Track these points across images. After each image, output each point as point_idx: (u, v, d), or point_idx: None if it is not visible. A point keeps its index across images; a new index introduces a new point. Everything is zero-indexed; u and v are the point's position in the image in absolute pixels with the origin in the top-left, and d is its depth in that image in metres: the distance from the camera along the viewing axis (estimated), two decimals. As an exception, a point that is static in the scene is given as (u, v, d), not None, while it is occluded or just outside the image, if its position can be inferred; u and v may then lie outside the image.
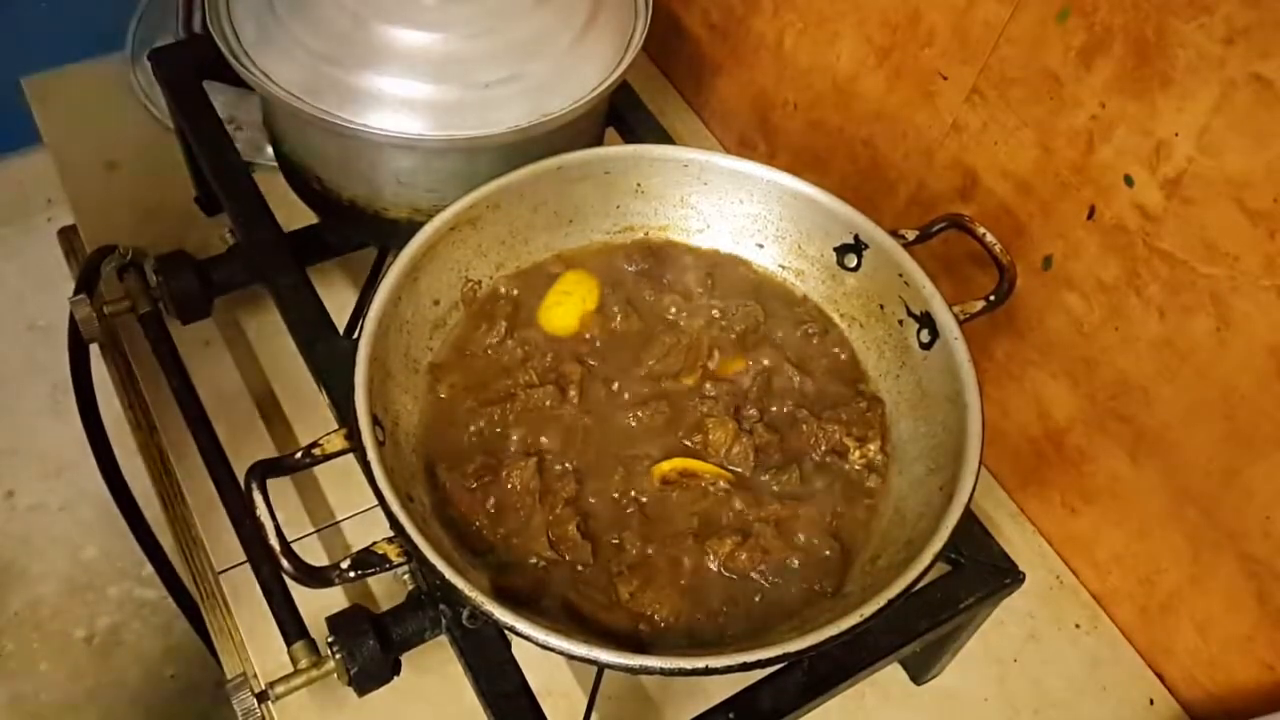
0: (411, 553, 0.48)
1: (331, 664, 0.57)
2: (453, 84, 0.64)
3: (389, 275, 0.57)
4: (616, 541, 0.55)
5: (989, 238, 0.62)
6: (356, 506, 0.72)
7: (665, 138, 0.78)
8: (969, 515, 0.52)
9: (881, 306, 0.63)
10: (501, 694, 0.54)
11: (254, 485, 0.49)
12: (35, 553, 1.56)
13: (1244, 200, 0.54)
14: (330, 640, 0.56)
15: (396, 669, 0.57)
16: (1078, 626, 0.74)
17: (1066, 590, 0.75)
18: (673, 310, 0.65)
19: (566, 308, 0.64)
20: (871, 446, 0.60)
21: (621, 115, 0.80)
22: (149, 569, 0.95)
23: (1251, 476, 0.60)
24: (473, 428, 0.59)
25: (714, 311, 0.65)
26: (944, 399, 0.58)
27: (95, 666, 1.44)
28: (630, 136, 0.79)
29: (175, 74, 0.79)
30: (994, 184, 0.70)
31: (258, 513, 0.48)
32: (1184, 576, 0.67)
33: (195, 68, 0.79)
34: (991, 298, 0.61)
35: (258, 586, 0.63)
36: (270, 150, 0.78)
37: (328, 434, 0.52)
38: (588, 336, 0.63)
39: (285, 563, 0.48)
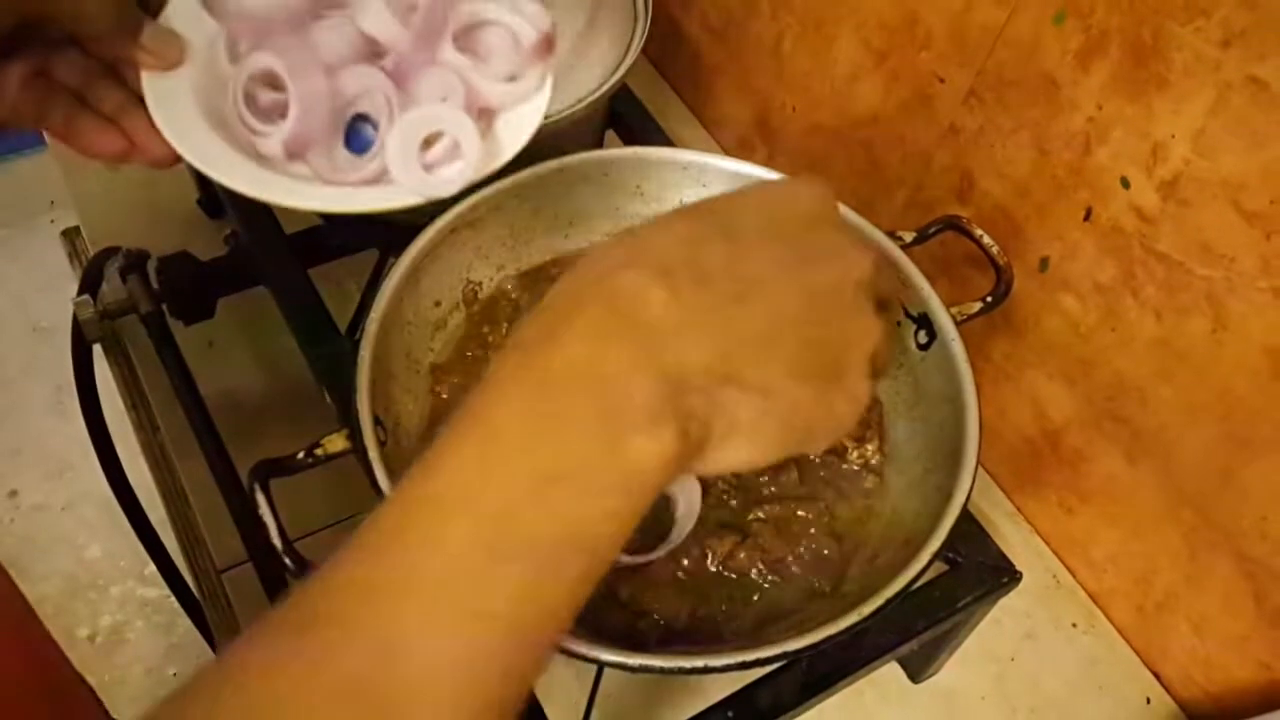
0: (412, 552, 0.49)
1: (333, 663, 0.58)
2: (453, 86, 0.64)
3: (390, 276, 0.58)
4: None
5: (986, 239, 0.62)
6: (357, 507, 0.73)
7: (665, 140, 0.79)
8: (966, 515, 0.52)
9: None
10: (502, 692, 0.55)
11: (257, 485, 0.49)
12: (38, 552, 1.56)
13: (1240, 202, 0.55)
14: (332, 639, 0.57)
15: (398, 668, 0.58)
16: (1075, 626, 0.74)
17: (1063, 590, 0.76)
18: (672, 311, 0.65)
19: (566, 309, 0.64)
20: (869, 447, 0.60)
21: (621, 117, 0.80)
22: (151, 568, 0.95)
23: (1248, 477, 0.61)
24: (473, 428, 0.59)
25: (713, 313, 0.66)
26: (941, 399, 0.58)
27: (98, 665, 1.45)
28: (630, 139, 0.79)
29: (178, 76, 0.79)
30: (991, 186, 0.70)
31: (260, 513, 0.48)
32: (1180, 576, 0.67)
33: (197, 70, 0.79)
34: (989, 299, 0.61)
35: (260, 586, 0.63)
36: (272, 152, 0.79)
37: (329, 434, 0.53)
38: (588, 337, 0.64)
39: (288, 562, 0.48)
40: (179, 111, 0.46)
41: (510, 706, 0.30)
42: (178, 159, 0.46)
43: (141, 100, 0.46)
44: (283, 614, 0.29)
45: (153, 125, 0.46)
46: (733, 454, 0.33)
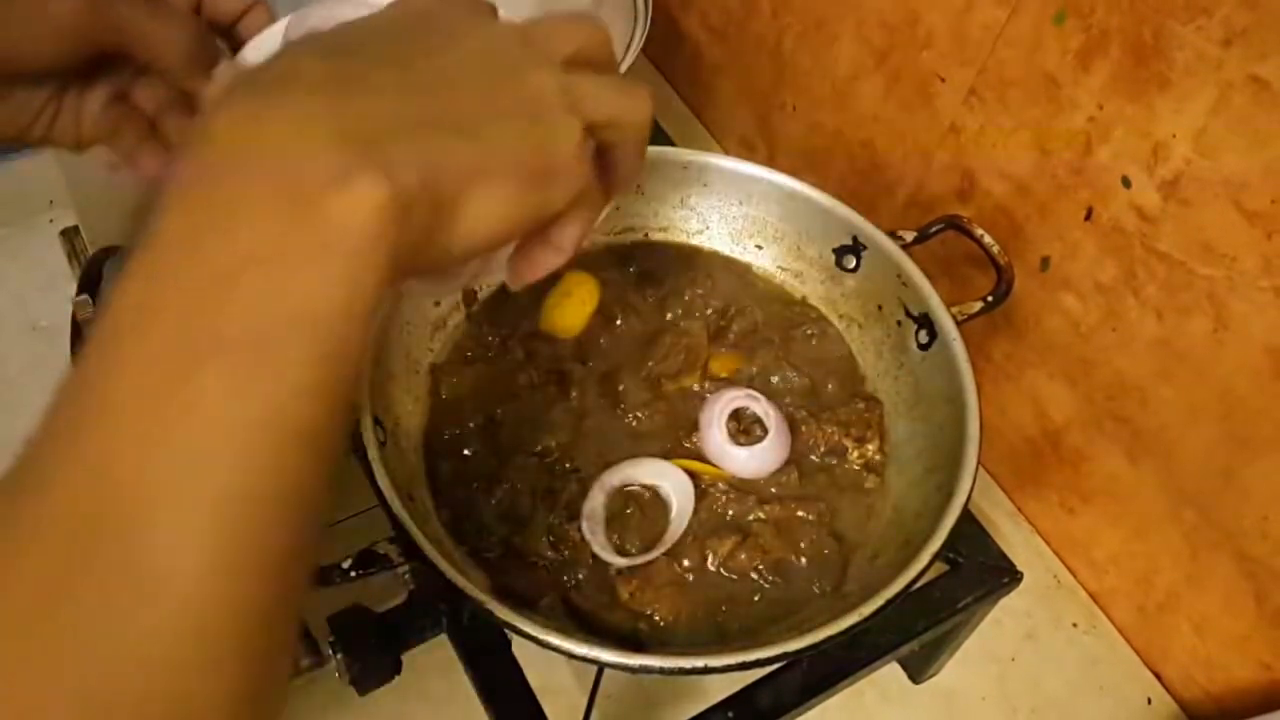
0: (412, 552, 0.49)
1: (332, 664, 0.58)
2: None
3: (390, 276, 0.57)
4: (617, 541, 0.56)
5: (987, 239, 0.62)
6: (357, 507, 0.73)
7: (665, 139, 0.79)
8: (967, 515, 0.52)
9: (880, 307, 0.63)
10: (501, 693, 0.55)
11: (255, 485, 0.49)
12: (37, 553, 1.56)
13: (1241, 201, 0.55)
14: (330, 640, 0.57)
15: (397, 669, 0.58)
16: (1075, 626, 0.74)
17: (1064, 590, 0.76)
18: (672, 311, 0.65)
19: (567, 309, 0.64)
20: (870, 447, 0.60)
21: (621, 117, 0.80)
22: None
23: (1249, 476, 0.60)
24: (473, 428, 0.59)
25: (713, 313, 0.66)
26: (942, 399, 0.58)
27: (97, 666, 1.44)
28: (630, 138, 0.79)
29: (177, 76, 0.79)
30: (992, 185, 0.70)
31: (259, 513, 0.48)
32: (1181, 576, 0.67)
33: (197, 69, 0.79)
34: (989, 298, 0.61)
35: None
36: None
37: (329, 434, 0.53)
38: (588, 338, 0.64)
39: (287, 562, 0.48)
40: None
41: (287, 523, 0.27)
42: None
43: None
44: None
45: None
46: (480, 211, 0.31)
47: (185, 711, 0.25)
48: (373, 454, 0.50)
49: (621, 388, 0.61)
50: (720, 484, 0.58)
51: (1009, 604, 0.63)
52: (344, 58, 0.30)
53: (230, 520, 0.25)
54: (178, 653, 0.24)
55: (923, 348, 0.60)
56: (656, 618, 0.53)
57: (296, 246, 0.27)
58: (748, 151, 0.96)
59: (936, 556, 0.50)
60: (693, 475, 0.58)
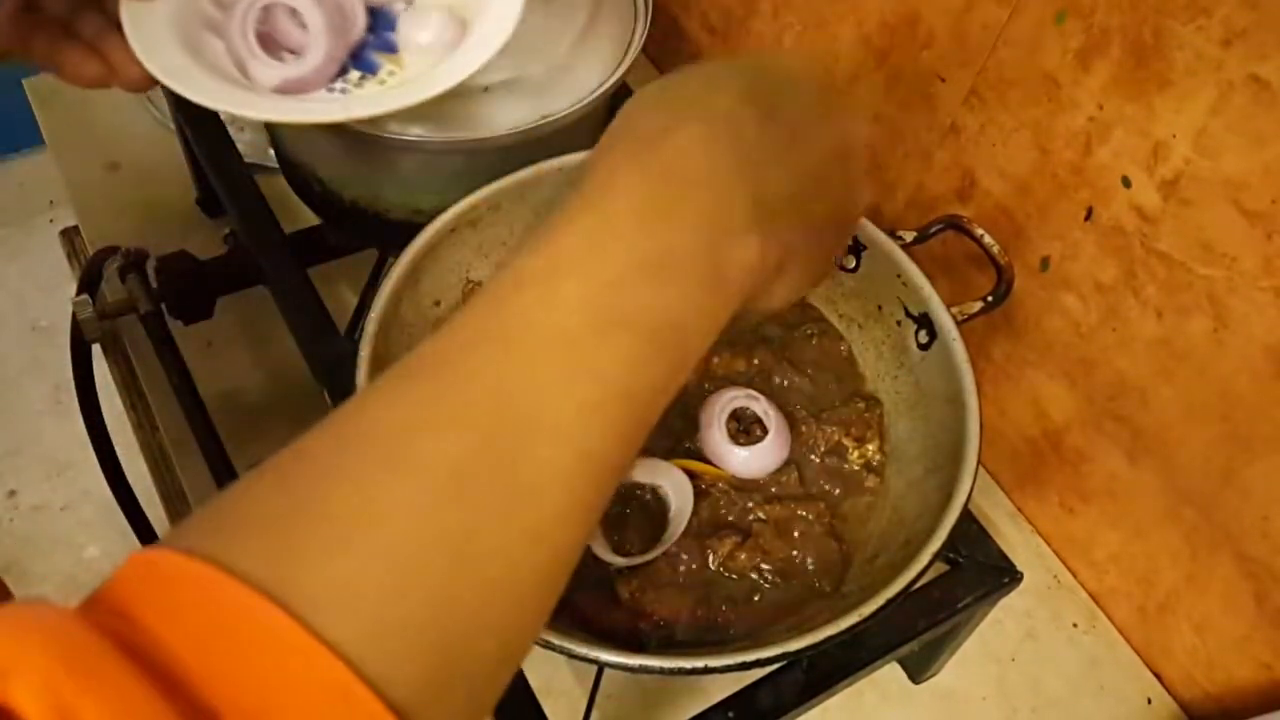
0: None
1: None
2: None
3: (390, 276, 0.57)
4: (617, 541, 0.56)
5: (987, 239, 0.62)
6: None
7: (665, 139, 0.78)
8: (967, 515, 0.52)
9: (880, 307, 0.63)
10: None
11: (256, 485, 0.49)
12: (38, 552, 1.56)
13: (1241, 201, 0.55)
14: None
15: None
16: (1075, 626, 0.74)
17: (1064, 590, 0.76)
18: (672, 311, 0.65)
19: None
20: (870, 447, 0.60)
21: (621, 117, 0.80)
22: (151, 569, 0.95)
23: (1249, 477, 0.60)
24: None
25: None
26: (942, 399, 0.58)
27: (97, 666, 1.44)
28: (630, 138, 0.79)
29: (177, 76, 0.79)
30: (992, 185, 0.70)
31: (259, 513, 0.48)
32: (1181, 576, 0.67)
33: (197, 69, 0.79)
34: (989, 298, 0.61)
35: (259, 586, 0.63)
36: (272, 152, 0.79)
37: (329, 434, 0.53)
38: (588, 337, 0.64)
39: (287, 562, 0.48)
40: (154, 36, 0.51)
41: (610, 488, 0.32)
42: (151, 83, 0.50)
43: (120, 27, 0.50)
44: (396, 368, 0.31)
45: (129, 50, 0.49)
46: (787, 286, 0.38)
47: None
48: (373, 454, 0.50)
49: (621, 388, 0.61)
50: (720, 484, 0.58)
51: (1009, 604, 0.63)
52: (765, 119, 0.36)
53: (590, 456, 0.30)
54: (550, 513, 0.30)
55: (923, 348, 0.60)
56: (657, 618, 0.53)
57: (698, 268, 0.33)
58: (748, 151, 0.96)
59: (936, 556, 0.49)
60: (693, 475, 0.58)
